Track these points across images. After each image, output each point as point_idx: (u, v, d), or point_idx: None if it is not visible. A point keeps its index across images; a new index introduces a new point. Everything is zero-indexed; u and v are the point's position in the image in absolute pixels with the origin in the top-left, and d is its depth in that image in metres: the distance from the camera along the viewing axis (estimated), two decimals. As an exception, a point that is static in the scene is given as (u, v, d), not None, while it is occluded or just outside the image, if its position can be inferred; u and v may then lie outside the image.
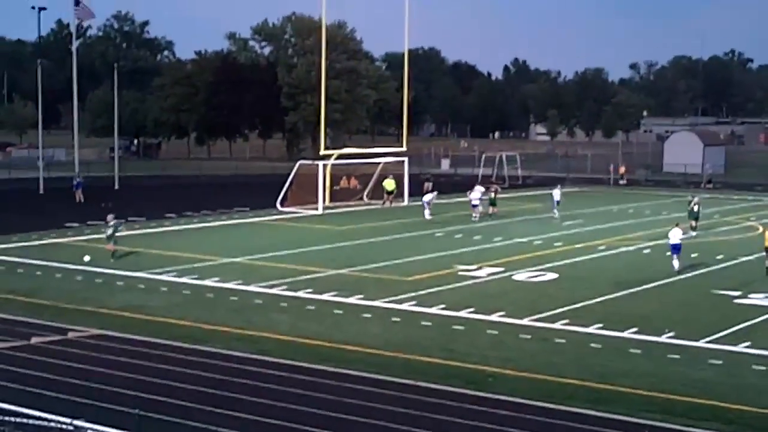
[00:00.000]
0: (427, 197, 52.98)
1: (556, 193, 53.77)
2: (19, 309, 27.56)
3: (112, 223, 37.86)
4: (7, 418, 13.06)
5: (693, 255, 38.90)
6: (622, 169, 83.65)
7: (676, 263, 34.93)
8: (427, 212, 52.01)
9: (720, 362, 22.33)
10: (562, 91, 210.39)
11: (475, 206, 51.65)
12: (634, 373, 21.33)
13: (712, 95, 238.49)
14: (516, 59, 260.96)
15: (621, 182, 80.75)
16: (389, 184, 59.95)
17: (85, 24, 74.36)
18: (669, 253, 35.57)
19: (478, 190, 53.22)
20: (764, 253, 34.79)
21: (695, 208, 46.78)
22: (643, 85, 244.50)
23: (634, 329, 25.38)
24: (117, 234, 37.92)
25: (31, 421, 12.62)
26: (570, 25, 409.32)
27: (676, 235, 35.35)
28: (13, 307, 27.79)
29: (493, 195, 53.92)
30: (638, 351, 23.31)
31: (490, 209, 52.74)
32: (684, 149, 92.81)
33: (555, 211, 52.75)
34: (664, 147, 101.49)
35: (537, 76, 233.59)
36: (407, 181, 62.10)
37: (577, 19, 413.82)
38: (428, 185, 67.66)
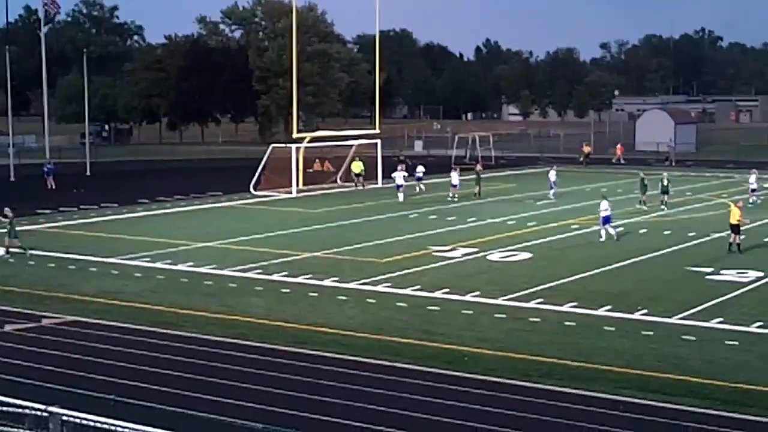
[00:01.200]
0: (399, 179, 52.81)
1: (552, 174, 53.12)
2: (-8, 297, 27.38)
3: (10, 216, 34.91)
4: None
5: (666, 232, 39.17)
6: (587, 149, 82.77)
7: (611, 231, 37.29)
8: (401, 195, 51.99)
9: (693, 338, 22.50)
10: (534, 72, 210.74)
11: (455, 186, 51.93)
12: (608, 350, 21.46)
13: (683, 73, 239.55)
14: (488, 40, 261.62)
15: (581, 159, 79.32)
16: (357, 166, 59.97)
17: (52, 13, 73.74)
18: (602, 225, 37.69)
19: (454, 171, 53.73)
20: (734, 232, 34.86)
21: (664, 183, 47.83)
22: (615, 64, 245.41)
23: (608, 307, 25.53)
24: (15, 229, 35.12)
25: (5, 409, 12.52)
26: (541, 6, 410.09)
27: (605, 207, 37.51)
28: (-14, 295, 27.60)
29: (477, 175, 54.25)
30: (612, 328, 23.44)
31: (476, 189, 53.08)
32: (656, 128, 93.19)
33: (551, 193, 52.30)
34: (636, 126, 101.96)
35: (509, 57, 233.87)
36: (381, 163, 62.09)
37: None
38: (401, 167, 67.74)
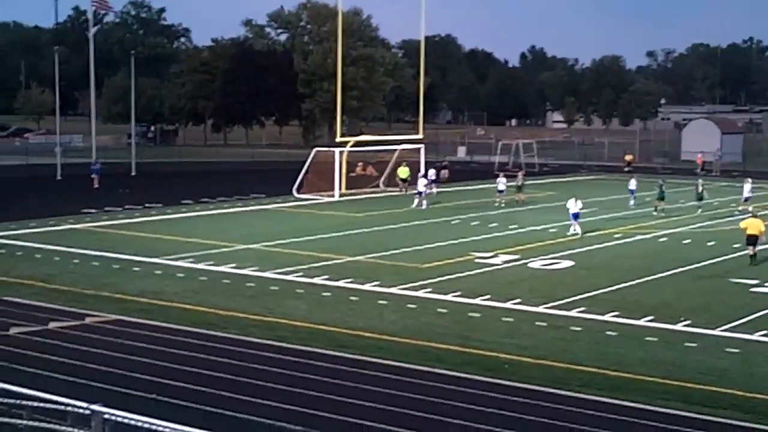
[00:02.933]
0: (421, 186, 52.13)
1: (632, 183, 53.60)
2: (37, 294, 27.69)
3: None
4: (24, 403, 13.10)
5: (710, 243, 38.79)
6: (629, 157, 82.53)
7: (577, 228, 40.55)
8: (416, 201, 51.18)
9: (737, 351, 22.27)
10: (579, 79, 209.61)
11: (501, 192, 52.04)
12: (650, 361, 21.29)
13: (731, 83, 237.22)
14: (533, 46, 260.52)
15: (626, 169, 79.06)
16: (403, 171, 59.95)
17: (101, 12, 74.66)
18: (571, 221, 41.16)
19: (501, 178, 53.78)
20: (753, 243, 34.24)
21: (699, 189, 49.98)
22: (661, 72, 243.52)
23: (651, 317, 25.33)
24: None
25: (48, 406, 12.64)
26: (587, 13, 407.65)
27: (573, 205, 41.16)
28: (31, 293, 27.94)
29: (520, 182, 54.09)
30: (654, 339, 23.26)
31: (517, 196, 52.93)
32: (701, 137, 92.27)
33: (632, 202, 52.29)
34: (682, 135, 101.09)
35: (554, 64, 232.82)
36: (423, 169, 62.04)
37: (595, 6, 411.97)
38: (444, 172, 67.66)
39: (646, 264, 33.89)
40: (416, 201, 51.35)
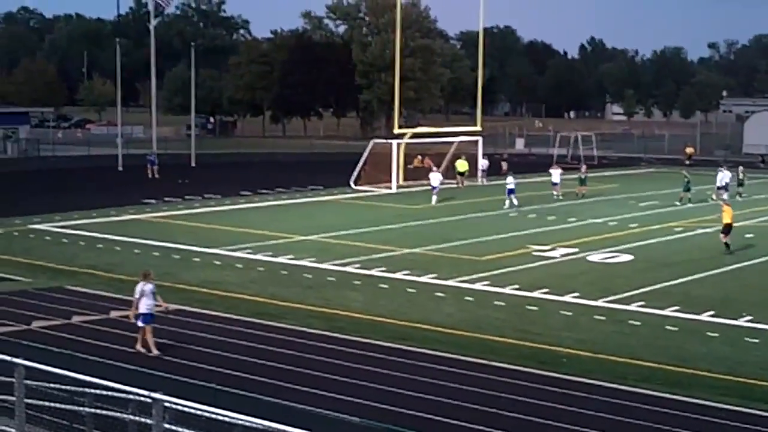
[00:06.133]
0: (434, 181, 50.79)
1: (725, 177, 52.10)
2: (99, 284, 28.10)
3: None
4: (86, 390, 13.31)
5: (773, 238, 38.23)
6: (690, 150, 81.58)
7: (514, 201, 46.45)
8: (434, 198, 49.83)
9: (800, 347, 21.93)
10: (639, 71, 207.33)
11: (555, 184, 51.54)
12: (711, 356, 21.05)
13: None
14: (592, 38, 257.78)
15: (687, 162, 78.17)
16: (461, 165, 59.57)
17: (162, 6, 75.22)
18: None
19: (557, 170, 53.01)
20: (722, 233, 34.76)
21: (740, 176, 52.86)
22: (723, 64, 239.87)
23: (712, 312, 25.03)
24: None
25: (109, 393, 12.83)
26: (647, 4, 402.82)
27: (509, 182, 47.36)
28: (94, 282, 28.36)
29: (582, 175, 53.49)
30: (716, 334, 22.98)
31: (578, 189, 52.34)
32: (764, 130, 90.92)
33: (723, 193, 51.23)
34: (744, 127, 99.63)
35: (614, 55, 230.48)
36: (482, 161, 61.95)
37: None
38: (504, 165, 67.37)
39: (708, 258, 33.48)
40: (434, 197, 49.86)
